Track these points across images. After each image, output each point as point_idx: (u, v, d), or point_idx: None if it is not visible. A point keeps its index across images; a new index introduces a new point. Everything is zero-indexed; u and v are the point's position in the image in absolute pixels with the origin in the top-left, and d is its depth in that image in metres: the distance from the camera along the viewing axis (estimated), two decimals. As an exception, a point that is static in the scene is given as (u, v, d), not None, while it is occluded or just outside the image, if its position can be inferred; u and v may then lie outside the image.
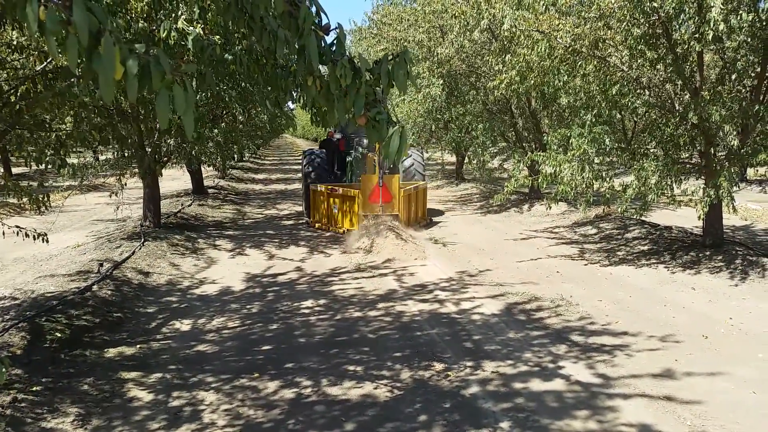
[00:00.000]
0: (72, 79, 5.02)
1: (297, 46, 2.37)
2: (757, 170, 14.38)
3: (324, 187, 13.20)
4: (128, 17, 5.01)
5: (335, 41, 2.45)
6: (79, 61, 1.58)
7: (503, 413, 4.80)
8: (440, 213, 15.92)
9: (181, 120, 1.87)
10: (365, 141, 13.36)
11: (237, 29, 3.05)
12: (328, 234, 12.81)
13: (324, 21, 2.43)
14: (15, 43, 5.62)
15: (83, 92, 5.15)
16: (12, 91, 5.41)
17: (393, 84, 2.47)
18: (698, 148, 9.54)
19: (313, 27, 2.28)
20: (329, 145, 15.29)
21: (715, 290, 8.13)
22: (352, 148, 14.15)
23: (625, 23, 8.45)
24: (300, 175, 16.51)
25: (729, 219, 11.12)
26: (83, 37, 1.49)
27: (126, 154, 10.86)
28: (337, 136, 15.10)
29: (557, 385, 5.31)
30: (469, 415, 4.77)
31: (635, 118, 10.55)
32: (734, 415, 4.77)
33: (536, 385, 5.31)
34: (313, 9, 2.32)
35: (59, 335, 6.32)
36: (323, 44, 2.42)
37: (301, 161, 15.26)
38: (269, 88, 3.37)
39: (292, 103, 4.04)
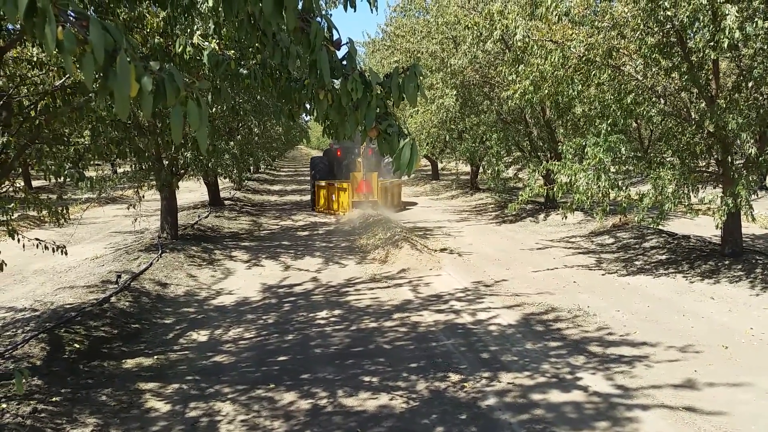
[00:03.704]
0: (90, 95, 5.11)
1: (309, 61, 2.40)
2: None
3: (325, 183, 18.47)
4: (145, 32, 5.10)
5: (346, 56, 2.48)
6: (95, 78, 1.62)
7: (520, 425, 4.76)
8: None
9: (195, 134, 1.90)
10: (357, 150, 18.15)
11: (251, 44, 3.10)
12: (343, 245, 12.89)
13: (335, 36, 2.46)
14: (35, 59, 5.74)
15: (100, 107, 5.23)
16: (32, 106, 5.51)
17: (404, 97, 2.49)
18: (715, 156, 9.45)
19: (324, 42, 2.31)
20: (330, 153, 20.60)
21: (735, 300, 8.02)
22: (347, 155, 19.10)
23: (638, 32, 8.43)
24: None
25: (748, 227, 11.00)
26: (99, 55, 1.53)
27: (143, 167, 11.00)
28: (336, 146, 19.94)
29: (575, 396, 5.26)
30: (485, 427, 4.75)
31: (651, 127, 10.48)
32: (756, 426, 4.70)
33: (554, 396, 5.26)
34: (325, 25, 2.35)
35: (78, 346, 6.40)
36: (335, 59, 2.45)
37: (309, 165, 20.83)
38: (283, 101, 3.40)
39: (306, 115, 4.09)
